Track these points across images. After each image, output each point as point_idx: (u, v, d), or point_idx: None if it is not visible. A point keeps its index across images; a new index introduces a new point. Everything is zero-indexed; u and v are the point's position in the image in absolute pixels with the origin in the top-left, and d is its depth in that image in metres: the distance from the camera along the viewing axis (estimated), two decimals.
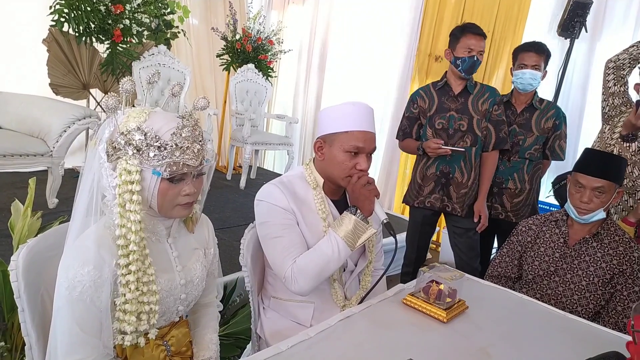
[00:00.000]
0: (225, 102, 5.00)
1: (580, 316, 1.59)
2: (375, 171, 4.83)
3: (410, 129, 2.60)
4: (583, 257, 1.80)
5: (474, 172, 2.47)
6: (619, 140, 2.26)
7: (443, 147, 2.38)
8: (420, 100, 2.54)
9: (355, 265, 1.55)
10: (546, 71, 2.56)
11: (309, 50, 5.54)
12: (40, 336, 1.08)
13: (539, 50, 2.51)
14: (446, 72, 2.51)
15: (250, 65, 4.64)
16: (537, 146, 2.56)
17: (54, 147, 2.93)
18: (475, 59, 2.34)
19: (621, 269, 1.73)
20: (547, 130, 2.57)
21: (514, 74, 2.57)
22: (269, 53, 4.79)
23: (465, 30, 2.36)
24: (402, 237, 3.53)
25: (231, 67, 4.75)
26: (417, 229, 2.66)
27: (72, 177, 3.65)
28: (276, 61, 5.20)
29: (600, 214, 1.76)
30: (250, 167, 4.70)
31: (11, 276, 1.05)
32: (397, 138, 2.72)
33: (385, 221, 1.41)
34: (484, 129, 2.44)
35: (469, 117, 2.43)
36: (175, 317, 1.20)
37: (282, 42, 5.03)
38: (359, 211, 1.38)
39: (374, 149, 1.45)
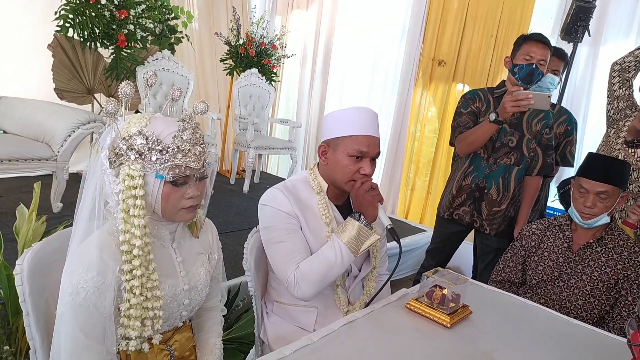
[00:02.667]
0: (228, 106, 5.02)
1: (584, 321, 1.58)
2: (377, 176, 4.83)
3: (475, 124, 2.30)
4: (587, 262, 1.79)
5: (510, 193, 2.31)
6: (624, 146, 2.25)
7: (525, 91, 2.02)
8: (478, 100, 2.34)
9: (360, 271, 1.55)
10: (561, 78, 2.52)
11: (313, 54, 5.56)
12: (45, 340, 1.08)
13: (561, 56, 2.48)
14: (504, 80, 2.35)
15: (254, 70, 4.65)
16: None
17: (58, 152, 2.94)
18: (534, 67, 2.13)
19: (626, 274, 1.73)
20: (558, 136, 2.55)
21: None
22: (272, 58, 4.81)
23: (529, 38, 2.19)
24: (405, 241, 3.55)
25: (234, 72, 4.77)
26: (442, 241, 2.55)
27: (76, 181, 3.64)
28: (279, 66, 5.22)
29: (604, 219, 1.76)
30: (254, 171, 4.71)
31: (16, 280, 1.05)
32: (452, 141, 2.40)
33: (389, 227, 1.40)
34: (532, 150, 2.29)
35: (521, 134, 2.26)
36: (178, 322, 1.20)
37: (285, 47, 5.04)
38: (362, 217, 1.38)
39: (378, 153, 1.45)
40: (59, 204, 3.03)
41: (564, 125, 2.55)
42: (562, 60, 2.49)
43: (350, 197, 1.47)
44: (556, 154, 2.58)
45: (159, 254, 1.11)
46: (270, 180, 5.08)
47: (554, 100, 2.93)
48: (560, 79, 2.52)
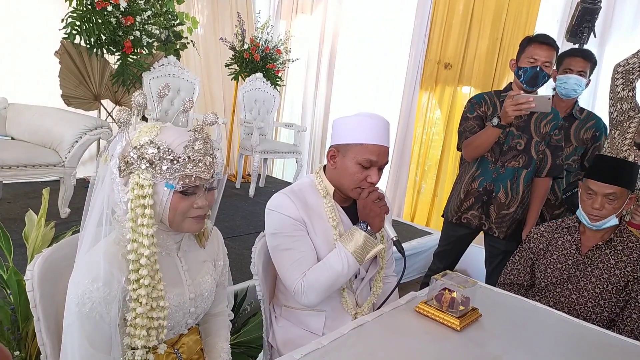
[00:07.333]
0: (233, 111, 5.03)
1: (594, 324, 1.57)
2: (383, 179, 4.82)
3: (481, 128, 2.29)
4: (596, 264, 1.78)
5: (519, 196, 2.30)
6: (634, 147, 2.24)
7: (526, 95, 2.01)
8: (484, 104, 2.33)
9: (366, 272, 1.55)
10: (589, 80, 2.48)
11: (318, 59, 5.57)
12: (56, 345, 1.08)
13: (587, 57, 2.44)
14: (510, 83, 2.35)
15: (259, 75, 4.67)
16: (576, 157, 2.50)
17: (66, 158, 2.96)
18: (538, 69, 2.12)
19: (636, 276, 1.71)
20: (586, 141, 2.52)
21: (557, 79, 2.49)
22: (277, 62, 4.83)
23: (532, 40, 2.17)
24: (412, 244, 3.56)
25: (239, 77, 4.79)
26: (450, 244, 2.54)
27: (83, 186, 3.66)
28: (284, 70, 5.23)
29: (613, 221, 1.75)
30: (259, 175, 4.72)
31: (27, 286, 1.06)
32: (459, 146, 2.39)
33: (395, 239, 1.42)
34: (541, 152, 2.27)
35: (529, 137, 2.25)
36: (184, 330, 1.20)
37: (290, 51, 5.06)
38: (368, 226, 1.39)
39: (386, 162, 1.45)
40: (67, 209, 3.05)
41: (591, 130, 2.52)
42: (589, 62, 2.45)
43: (357, 207, 1.48)
44: (584, 159, 2.54)
45: (164, 263, 1.11)
46: (275, 184, 5.09)
47: (581, 103, 2.86)
48: (589, 80, 2.48)
